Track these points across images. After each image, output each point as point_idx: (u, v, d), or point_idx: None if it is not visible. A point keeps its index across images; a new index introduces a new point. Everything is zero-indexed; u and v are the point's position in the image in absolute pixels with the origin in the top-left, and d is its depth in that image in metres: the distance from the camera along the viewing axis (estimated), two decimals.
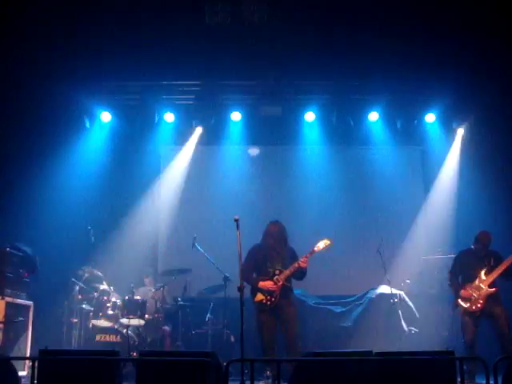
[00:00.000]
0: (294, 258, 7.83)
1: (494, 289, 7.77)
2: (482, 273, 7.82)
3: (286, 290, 7.71)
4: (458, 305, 7.88)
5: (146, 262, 10.25)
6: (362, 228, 10.79)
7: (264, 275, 7.75)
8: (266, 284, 7.65)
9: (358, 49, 9.40)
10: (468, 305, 7.77)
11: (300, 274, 7.78)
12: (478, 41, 9.20)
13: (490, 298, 7.75)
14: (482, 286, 7.76)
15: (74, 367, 5.45)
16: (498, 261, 7.85)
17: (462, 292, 7.84)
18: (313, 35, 9.28)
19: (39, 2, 8.70)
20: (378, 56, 9.39)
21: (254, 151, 11.45)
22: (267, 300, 7.64)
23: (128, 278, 9.77)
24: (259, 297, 7.68)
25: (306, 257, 7.66)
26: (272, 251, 7.81)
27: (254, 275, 7.87)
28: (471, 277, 7.91)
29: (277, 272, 7.68)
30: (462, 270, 8.10)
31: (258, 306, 7.72)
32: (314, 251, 7.72)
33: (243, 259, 6.90)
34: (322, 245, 7.77)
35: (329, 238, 7.83)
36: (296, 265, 7.63)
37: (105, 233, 10.24)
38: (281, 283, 7.63)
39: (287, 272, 7.65)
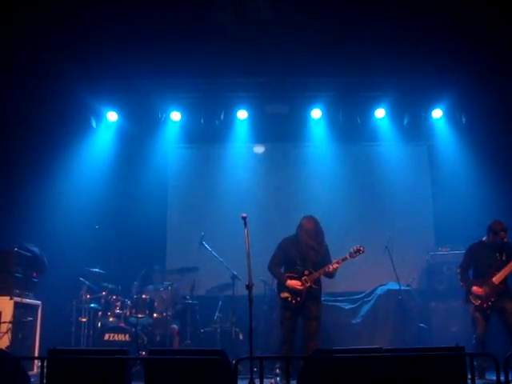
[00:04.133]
0: (326, 258, 7.69)
1: (505, 286, 7.72)
2: (494, 268, 7.77)
3: (313, 291, 7.56)
4: (469, 301, 7.82)
5: (154, 261, 10.24)
6: (369, 225, 10.76)
7: (293, 272, 7.60)
8: (294, 283, 7.50)
9: (363, 45, 9.37)
10: (479, 302, 7.70)
11: (329, 275, 7.70)
12: (484, 36, 9.16)
13: (501, 293, 7.69)
14: (493, 282, 7.71)
15: (83, 366, 5.45)
16: (510, 255, 7.77)
17: (474, 289, 7.73)
18: (318, 32, 9.26)
19: (44, 2, 8.69)
20: (383, 52, 9.36)
21: (260, 149, 11.45)
22: (292, 299, 7.51)
23: (136, 276, 9.80)
24: (285, 294, 7.55)
25: (338, 263, 7.52)
26: (308, 249, 7.59)
27: (282, 270, 7.75)
28: (482, 272, 7.84)
29: (306, 272, 7.53)
30: (472, 265, 8.02)
31: (282, 302, 7.61)
32: (345, 258, 7.54)
33: (251, 258, 6.81)
34: (354, 252, 7.55)
35: (362, 246, 7.58)
36: (326, 269, 7.50)
37: (112, 232, 10.25)
38: (308, 285, 7.50)
39: (316, 274, 7.51)
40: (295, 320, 7.62)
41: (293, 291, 7.52)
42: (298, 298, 7.52)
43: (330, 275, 7.65)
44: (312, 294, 7.57)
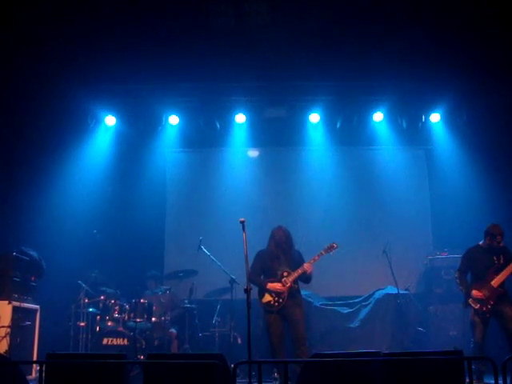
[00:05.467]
0: (300, 261, 7.87)
1: (503, 289, 7.74)
2: (492, 271, 7.78)
3: (293, 291, 7.77)
4: (468, 305, 7.83)
5: (152, 265, 10.25)
6: (367, 229, 10.77)
7: (272, 277, 7.79)
8: (275, 285, 7.69)
9: (362, 49, 9.37)
10: (478, 306, 7.71)
11: (305, 277, 7.81)
12: (482, 40, 9.18)
13: (500, 297, 7.70)
14: (492, 285, 7.72)
15: (82, 371, 5.44)
16: (508, 258, 7.80)
17: (474, 293, 7.73)
18: (316, 36, 9.27)
19: (44, 5, 8.70)
20: (382, 56, 9.37)
21: (254, 153, 11.45)
22: (275, 301, 7.68)
23: (134, 281, 9.79)
24: (267, 298, 7.71)
25: (313, 260, 7.74)
26: (275, 258, 7.87)
27: (262, 277, 7.91)
28: (480, 275, 7.85)
29: (285, 274, 7.74)
30: (470, 268, 8.03)
31: (265, 307, 7.75)
32: (321, 254, 7.80)
33: (249, 262, 6.89)
34: (328, 248, 7.84)
35: (335, 242, 7.89)
36: (300, 270, 7.70)
37: (110, 236, 10.24)
38: (289, 285, 7.69)
39: (295, 274, 7.72)
40: (281, 324, 7.72)
41: (274, 293, 7.69)
42: (280, 300, 7.67)
43: (307, 278, 7.83)
44: (293, 295, 7.74)
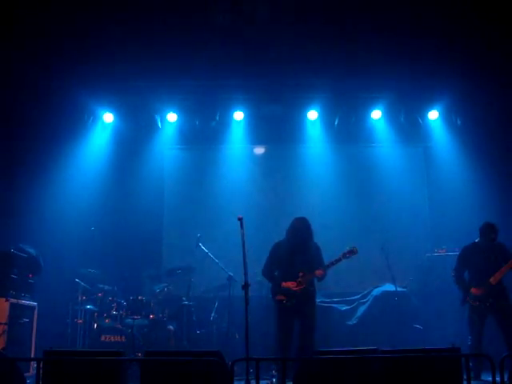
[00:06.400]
0: (318, 256, 7.75)
1: (502, 286, 7.74)
2: (490, 269, 7.77)
3: (307, 292, 7.63)
4: (466, 302, 7.84)
5: (150, 262, 10.24)
6: (366, 226, 10.75)
7: (287, 275, 7.65)
8: (289, 284, 7.57)
9: (360, 47, 9.38)
10: (478, 303, 7.73)
11: (318, 277, 7.74)
12: (480, 39, 9.18)
13: (498, 294, 7.72)
14: (490, 282, 7.72)
15: (79, 368, 5.45)
16: (504, 255, 7.81)
17: (473, 290, 7.77)
18: (315, 33, 9.26)
19: (42, 3, 8.68)
20: (380, 53, 9.36)
21: (256, 150, 11.47)
22: (287, 301, 7.56)
23: (132, 278, 9.78)
24: (280, 296, 7.60)
25: (331, 264, 7.57)
26: (296, 249, 7.69)
27: (276, 273, 7.80)
28: (478, 273, 7.87)
29: (300, 274, 7.58)
30: (467, 267, 8.04)
31: (277, 304, 7.65)
32: (339, 259, 7.59)
33: (247, 259, 6.82)
34: (348, 253, 7.61)
35: (355, 247, 7.63)
36: (316, 273, 7.57)
37: (108, 233, 10.24)
38: (303, 286, 7.56)
39: (310, 276, 7.58)
40: (291, 323, 7.62)
41: (288, 292, 7.56)
42: (294, 300, 7.55)
43: (320, 278, 7.71)
44: (306, 295, 7.62)
